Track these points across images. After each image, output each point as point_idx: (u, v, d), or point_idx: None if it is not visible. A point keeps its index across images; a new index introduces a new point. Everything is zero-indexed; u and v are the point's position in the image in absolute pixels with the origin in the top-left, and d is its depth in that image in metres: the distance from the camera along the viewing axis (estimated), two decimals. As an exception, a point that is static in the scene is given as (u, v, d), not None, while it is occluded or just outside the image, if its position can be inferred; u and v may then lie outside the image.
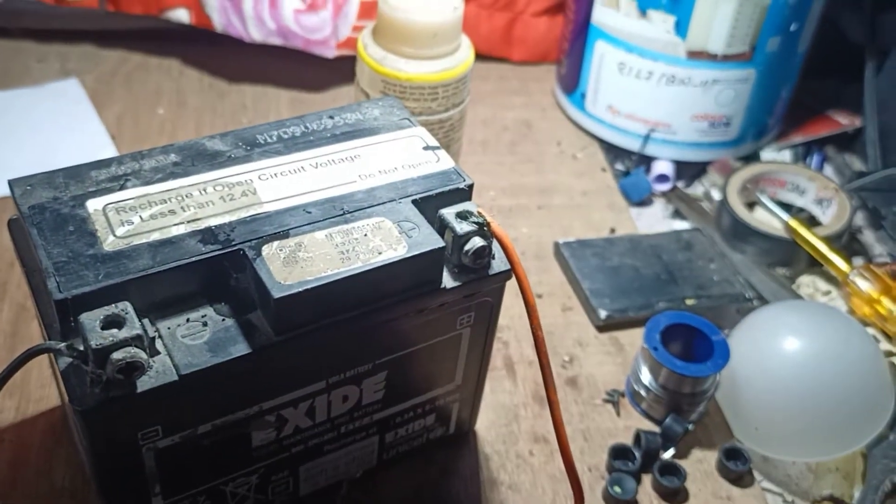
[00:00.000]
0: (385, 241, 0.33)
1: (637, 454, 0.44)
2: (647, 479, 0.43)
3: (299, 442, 0.37)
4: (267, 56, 0.70)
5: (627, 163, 0.65)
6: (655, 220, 0.61)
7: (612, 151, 0.66)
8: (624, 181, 0.63)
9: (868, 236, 0.61)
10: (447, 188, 0.36)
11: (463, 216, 0.35)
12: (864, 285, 0.52)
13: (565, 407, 0.47)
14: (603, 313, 0.51)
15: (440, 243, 0.33)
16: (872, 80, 0.67)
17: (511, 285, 0.37)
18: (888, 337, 0.51)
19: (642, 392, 0.46)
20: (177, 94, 0.68)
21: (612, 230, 0.59)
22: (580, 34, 0.65)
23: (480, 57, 0.72)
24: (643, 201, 0.62)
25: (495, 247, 0.36)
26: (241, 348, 0.31)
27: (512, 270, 0.36)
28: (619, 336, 0.51)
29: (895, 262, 0.56)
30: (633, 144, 0.65)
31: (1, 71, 0.68)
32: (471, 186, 0.36)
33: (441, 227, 0.35)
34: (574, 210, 0.61)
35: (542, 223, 0.59)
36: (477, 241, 0.34)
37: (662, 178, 0.63)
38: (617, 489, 0.42)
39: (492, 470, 0.43)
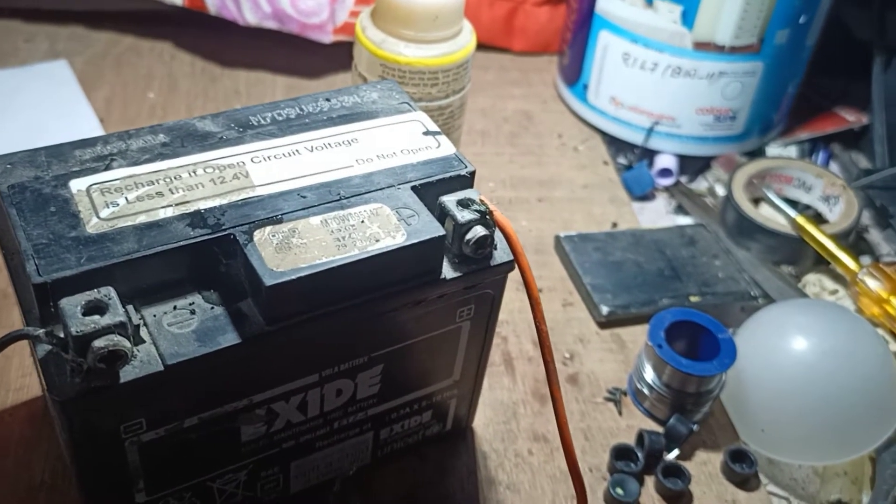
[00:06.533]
0: (383, 229, 0.31)
1: (640, 455, 0.42)
2: (649, 481, 0.42)
3: (290, 437, 0.35)
4: (262, 41, 0.68)
5: (630, 156, 0.64)
6: (658, 215, 0.60)
7: (615, 144, 0.65)
8: (626, 175, 0.62)
9: (874, 235, 0.60)
10: (448, 175, 0.34)
11: (464, 204, 0.33)
12: (874, 285, 0.50)
13: (565, 405, 0.45)
14: (605, 309, 0.50)
15: (440, 231, 0.32)
16: (880, 77, 0.66)
17: (511, 279, 0.36)
18: (897, 338, 0.50)
19: (645, 391, 0.45)
20: (168, 78, 0.66)
21: (614, 224, 0.58)
22: (584, 24, 0.63)
23: (481, 46, 0.71)
24: (646, 196, 0.61)
25: (497, 236, 0.34)
26: (230, 338, 0.29)
27: (515, 261, 0.34)
28: (622, 333, 0.50)
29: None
30: (636, 137, 0.64)
31: (-12, 51, 0.66)
32: (472, 173, 0.35)
33: (441, 214, 0.33)
34: (575, 203, 0.59)
35: (542, 216, 0.58)
36: (479, 230, 0.33)
37: (665, 172, 0.62)
38: (619, 491, 0.41)
39: (489, 469, 0.42)
